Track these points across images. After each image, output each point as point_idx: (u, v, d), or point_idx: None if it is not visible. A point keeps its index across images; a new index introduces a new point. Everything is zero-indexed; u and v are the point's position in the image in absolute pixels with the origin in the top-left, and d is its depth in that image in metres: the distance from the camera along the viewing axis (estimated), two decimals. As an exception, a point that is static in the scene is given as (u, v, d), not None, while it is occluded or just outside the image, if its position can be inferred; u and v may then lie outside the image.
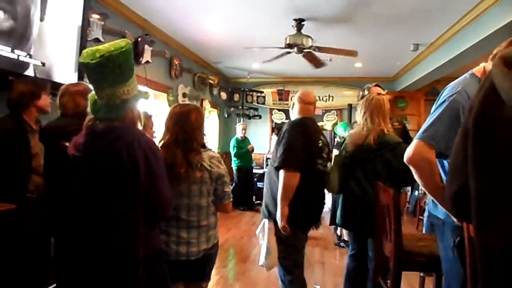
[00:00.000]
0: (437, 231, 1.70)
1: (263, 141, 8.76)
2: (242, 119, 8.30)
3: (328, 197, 4.16)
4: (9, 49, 2.62)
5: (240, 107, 8.39)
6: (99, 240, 1.48)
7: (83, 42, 3.38)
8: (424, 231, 2.37)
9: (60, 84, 2.47)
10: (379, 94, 2.69)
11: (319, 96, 8.30)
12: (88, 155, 1.51)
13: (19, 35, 2.71)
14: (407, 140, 2.68)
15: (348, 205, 2.66)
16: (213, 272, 2.34)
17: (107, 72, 1.43)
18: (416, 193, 6.31)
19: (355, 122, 2.82)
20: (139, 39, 4.66)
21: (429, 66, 5.86)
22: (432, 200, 1.69)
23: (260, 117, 8.72)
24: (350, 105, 7.98)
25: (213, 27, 5.14)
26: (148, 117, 2.59)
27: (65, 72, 3.18)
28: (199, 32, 5.38)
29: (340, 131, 5.94)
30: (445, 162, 1.60)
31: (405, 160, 1.58)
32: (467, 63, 4.70)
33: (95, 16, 3.77)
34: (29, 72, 2.81)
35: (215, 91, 7.90)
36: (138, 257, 1.47)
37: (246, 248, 4.82)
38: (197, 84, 6.96)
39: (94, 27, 3.75)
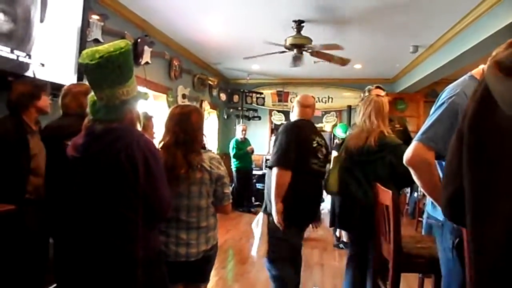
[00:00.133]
0: (436, 233, 1.70)
1: (262, 142, 8.76)
2: (241, 120, 8.31)
3: (328, 199, 4.17)
4: (9, 49, 2.62)
5: (239, 108, 8.40)
6: (98, 241, 1.48)
7: (83, 43, 3.38)
8: (423, 233, 2.37)
9: (59, 85, 2.48)
10: (378, 95, 2.70)
11: (318, 98, 8.30)
12: (87, 156, 1.51)
13: (18, 36, 2.71)
14: (409, 142, 2.68)
15: (348, 206, 2.66)
16: (212, 273, 2.34)
17: (107, 73, 1.43)
18: (415, 194, 6.31)
19: (355, 123, 2.84)
20: (139, 40, 4.67)
21: (429, 68, 5.87)
22: (431, 202, 1.69)
23: (259, 118, 8.73)
24: (349, 107, 7.99)
25: (213, 28, 5.15)
26: (148, 118, 2.60)
27: (64, 73, 3.18)
28: (198, 33, 5.38)
29: (339, 132, 5.94)
30: (444, 164, 1.60)
31: (404, 161, 1.58)
32: (466, 65, 4.70)
33: (95, 17, 3.78)
34: (29, 73, 2.81)
35: (214, 92, 7.90)
36: (137, 258, 1.47)
37: (245, 249, 4.81)
38: (197, 85, 6.96)
39: (93, 28, 3.75)
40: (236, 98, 8.51)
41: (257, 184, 7.70)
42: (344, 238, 4.71)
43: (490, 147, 0.80)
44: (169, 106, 5.12)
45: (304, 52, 4.89)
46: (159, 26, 5.10)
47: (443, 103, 1.55)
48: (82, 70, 1.54)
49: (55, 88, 2.59)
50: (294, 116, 2.83)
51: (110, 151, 1.46)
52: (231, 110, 8.53)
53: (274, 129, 8.85)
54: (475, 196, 0.82)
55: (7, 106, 2.38)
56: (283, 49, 4.90)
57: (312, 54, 4.96)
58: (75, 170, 1.55)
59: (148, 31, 4.91)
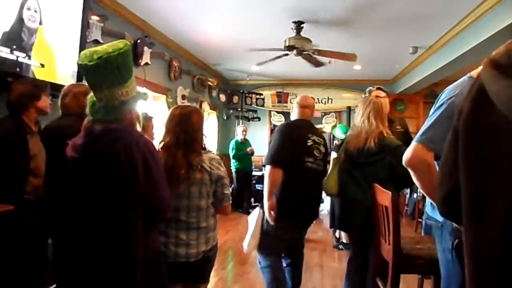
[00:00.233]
0: (436, 234, 1.70)
1: (262, 143, 8.74)
2: (241, 121, 8.30)
3: (328, 200, 4.17)
4: (8, 50, 2.62)
5: (239, 109, 8.40)
6: (98, 242, 1.48)
7: (83, 43, 3.38)
8: (422, 234, 2.37)
9: (59, 86, 2.48)
10: (377, 96, 2.71)
11: (318, 99, 8.30)
12: (86, 157, 1.51)
13: (18, 36, 2.71)
14: (410, 143, 2.68)
15: (348, 208, 2.66)
16: (212, 274, 2.34)
17: (105, 73, 1.43)
18: (415, 195, 6.31)
19: (354, 124, 2.84)
20: (139, 41, 4.67)
21: (428, 69, 5.87)
22: (431, 203, 1.69)
23: (259, 119, 8.72)
24: (349, 108, 7.99)
25: (213, 29, 5.15)
26: (148, 119, 2.60)
27: (64, 74, 3.18)
28: (198, 34, 5.39)
29: (339, 133, 5.94)
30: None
31: (403, 162, 1.58)
32: (466, 65, 4.71)
33: (95, 18, 3.78)
34: (29, 73, 2.81)
35: (214, 93, 7.90)
36: (136, 258, 1.46)
37: (244, 250, 4.80)
38: (196, 86, 6.96)
39: (93, 29, 3.75)
40: (235, 99, 8.51)
41: (256, 185, 7.69)
42: (344, 239, 4.71)
43: (486, 146, 0.80)
44: (169, 107, 5.13)
45: (311, 54, 4.91)
46: (159, 27, 5.10)
47: (442, 104, 1.55)
48: (81, 71, 1.54)
49: (55, 89, 2.59)
50: (293, 117, 2.86)
51: (109, 152, 1.46)
52: (231, 111, 8.53)
53: (273, 130, 8.84)
54: (471, 196, 0.82)
55: (7, 106, 2.38)
56: (286, 51, 4.89)
57: (320, 54, 4.98)
58: (74, 170, 1.55)
59: (148, 32, 4.92)
